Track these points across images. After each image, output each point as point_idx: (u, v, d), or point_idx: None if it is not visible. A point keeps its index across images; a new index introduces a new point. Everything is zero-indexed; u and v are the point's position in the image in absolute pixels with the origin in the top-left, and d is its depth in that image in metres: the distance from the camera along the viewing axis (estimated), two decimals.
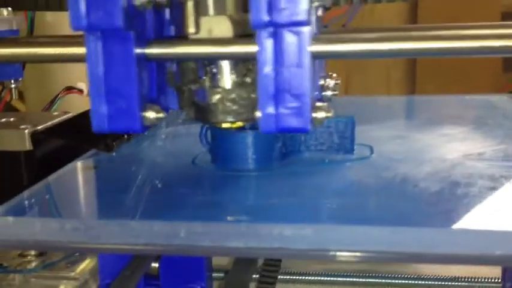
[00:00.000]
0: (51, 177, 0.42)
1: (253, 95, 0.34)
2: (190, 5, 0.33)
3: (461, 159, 0.43)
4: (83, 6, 0.30)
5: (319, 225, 0.32)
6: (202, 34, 0.33)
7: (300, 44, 0.30)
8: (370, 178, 0.40)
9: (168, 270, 0.43)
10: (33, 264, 0.44)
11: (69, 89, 0.77)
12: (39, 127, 0.50)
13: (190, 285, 0.43)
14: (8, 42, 0.41)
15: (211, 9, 0.34)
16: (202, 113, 0.35)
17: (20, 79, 0.52)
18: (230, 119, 0.35)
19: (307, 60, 0.30)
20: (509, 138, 0.48)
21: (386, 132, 0.52)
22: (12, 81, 0.52)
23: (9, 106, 0.71)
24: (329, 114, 0.32)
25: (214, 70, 0.35)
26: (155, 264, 0.44)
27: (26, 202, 0.37)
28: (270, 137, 0.43)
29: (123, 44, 0.31)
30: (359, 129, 0.45)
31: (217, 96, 0.35)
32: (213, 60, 0.35)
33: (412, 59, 1.90)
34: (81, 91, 0.79)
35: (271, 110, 0.31)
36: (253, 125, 0.46)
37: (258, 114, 0.31)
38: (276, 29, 0.30)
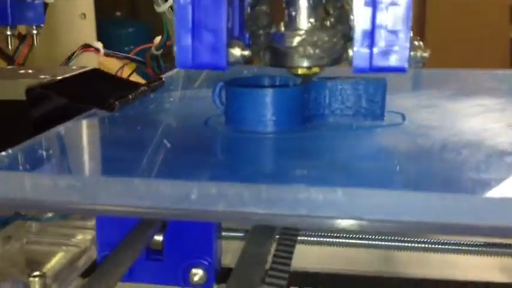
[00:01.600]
0: (49, 133, 0.37)
1: (334, 39, 0.34)
2: None
3: (505, 129, 0.39)
4: None
5: (353, 189, 0.27)
6: None
7: None
8: (406, 144, 0.36)
9: (173, 243, 0.39)
10: (50, 214, 0.42)
11: (86, 47, 0.74)
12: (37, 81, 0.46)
13: (197, 259, 0.39)
14: None
15: None
16: (280, 57, 0.34)
17: (42, 25, 0.52)
18: (309, 63, 0.34)
19: None
20: None
21: (414, 102, 0.47)
22: (34, 26, 0.52)
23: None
24: (425, 54, 0.31)
25: (293, 13, 0.34)
26: (159, 237, 0.39)
27: (20, 155, 0.33)
28: (291, 97, 0.39)
29: None
30: None
31: (298, 39, 0.33)
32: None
33: None
34: (97, 50, 0.75)
35: (364, 49, 0.30)
36: (273, 83, 0.42)
37: (350, 53, 0.30)
38: None
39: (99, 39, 1.51)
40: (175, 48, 0.31)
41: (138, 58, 0.87)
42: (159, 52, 0.79)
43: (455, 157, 0.33)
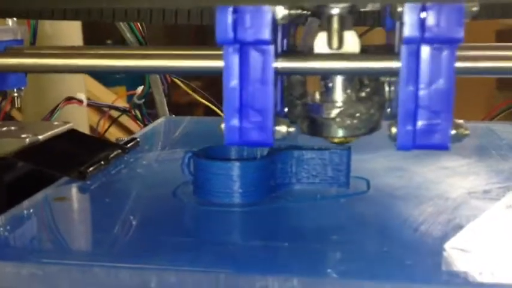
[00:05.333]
0: (15, 210, 0.38)
1: (371, 111, 0.34)
2: (336, 20, 0.32)
3: (466, 198, 0.40)
4: (230, 19, 0.30)
5: (309, 278, 0.28)
6: (326, 49, 0.33)
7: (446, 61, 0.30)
8: (366, 218, 0.37)
9: None
10: None
11: (69, 99, 0.75)
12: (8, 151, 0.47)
13: None
14: (14, 53, 0.41)
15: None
16: (317, 127, 0.35)
17: (23, 88, 0.52)
18: (346, 133, 0.35)
19: (452, 78, 0.30)
20: None
21: (383, 164, 0.48)
22: (15, 89, 0.51)
23: (7, 116, 0.69)
24: (466, 132, 0.31)
25: (330, 84, 0.35)
26: None
27: None
28: (258, 169, 0.40)
29: (264, 57, 0.31)
30: (352, 158, 0.41)
31: (336, 111, 0.34)
32: (344, 75, 0.34)
33: None
34: (81, 102, 0.76)
35: (408, 127, 0.30)
36: (240, 155, 0.43)
37: (393, 130, 0.31)
38: (423, 44, 0.30)
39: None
40: (222, 126, 0.32)
41: (120, 107, 0.88)
42: (142, 101, 0.81)
43: (413, 234, 0.34)
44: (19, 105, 0.56)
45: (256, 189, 0.39)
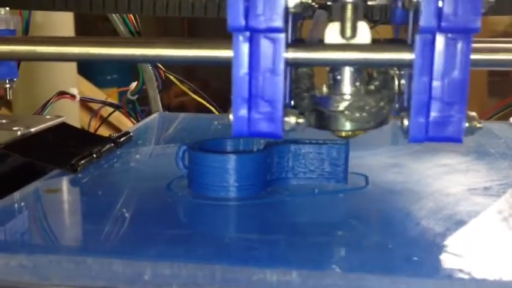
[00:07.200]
0: (6, 201, 0.37)
1: (381, 104, 0.33)
2: (349, 8, 0.32)
3: (466, 194, 0.39)
4: (241, 7, 0.29)
5: (308, 271, 0.27)
6: (338, 39, 0.32)
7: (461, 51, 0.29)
8: (366, 212, 0.36)
9: None
10: None
11: (62, 93, 0.74)
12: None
13: None
14: (5, 41, 0.38)
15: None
16: (325, 120, 0.34)
17: (15, 79, 0.51)
18: (355, 127, 0.34)
19: (467, 69, 0.29)
20: None
21: (380, 160, 0.48)
22: (7, 81, 0.51)
23: None
24: (479, 125, 0.31)
25: (338, 77, 0.34)
26: None
27: None
28: (254, 162, 0.39)
29: (275, 46, 0.30)
30: (350, 155, 0.41)
31: (344, 104, 0.33)
32: (356, 66, 0.33)
33: None
34: (73, 96, 0.75)
35: (421, 119, 0.30)
36: (236, 147, 0.42)
37: (406, 122, 0.30)
38: (439, 34, 0.29)
39: (81, 69, 1.50)
40: (230, 117, 0.31)
41: (114, 102, 0.87)
42: (135, 97, 0.80)
43: (414, 228, 0.33)
44: (10, 97, 0.55)
45: (252, 183, 0.39)
